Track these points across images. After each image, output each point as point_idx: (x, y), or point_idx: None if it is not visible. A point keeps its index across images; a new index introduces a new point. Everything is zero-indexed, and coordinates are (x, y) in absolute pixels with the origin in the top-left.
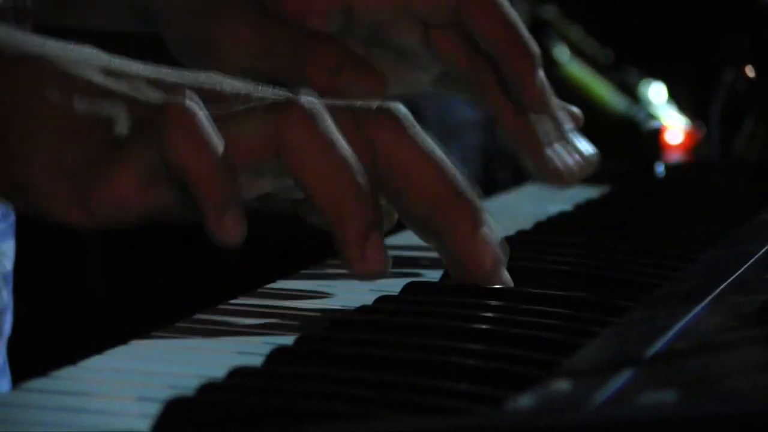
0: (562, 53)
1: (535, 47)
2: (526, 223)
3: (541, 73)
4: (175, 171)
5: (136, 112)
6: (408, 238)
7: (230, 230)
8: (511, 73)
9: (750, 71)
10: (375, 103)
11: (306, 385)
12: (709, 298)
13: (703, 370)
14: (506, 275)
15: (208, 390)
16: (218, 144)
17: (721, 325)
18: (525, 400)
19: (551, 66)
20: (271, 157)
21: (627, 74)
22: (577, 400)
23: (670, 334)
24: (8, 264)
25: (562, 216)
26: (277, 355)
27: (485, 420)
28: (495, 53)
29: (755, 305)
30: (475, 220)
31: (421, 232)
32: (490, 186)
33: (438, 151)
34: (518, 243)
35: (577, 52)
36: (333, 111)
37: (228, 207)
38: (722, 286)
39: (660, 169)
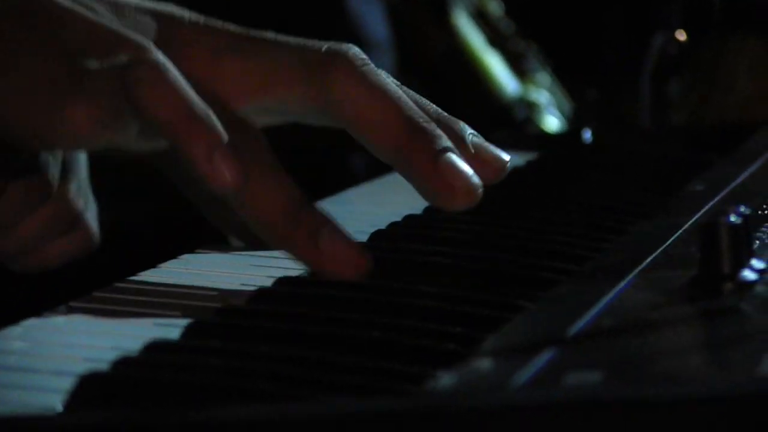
0: (460, 17)
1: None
2: None
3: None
4: (149, 121)
5: (100, 40)
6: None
7: (225, 172)
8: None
9: (681, 35)
10: (325, 45)
11: (222, 362)
12: (636, 272)
13: (629, 350)
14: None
15: (123, 365)
16: (191, 92)
17: (648, 302)
18: (446, 380)
19: (445, 28)
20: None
21: (525, 49)
22: (499, 380)
23: (595, 310)
24: None
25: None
26: (194, 328)
27: (405, 401)
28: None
29: (682, 281)
30: (434, 148)
31: (395, 168)
32: None
33: (393, 87)
34: (443, 212)
35: (479, 16)
36: (286, 49)
37: (213, 149)
38: (649, 260)
39: (587, 135)
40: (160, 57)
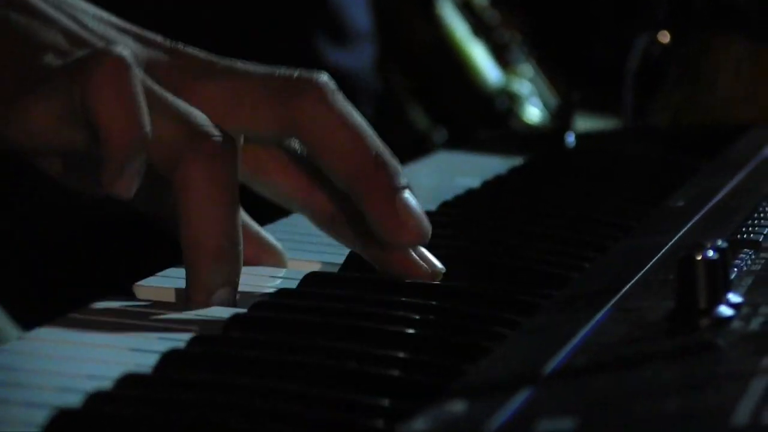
0: (445, 6)
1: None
2: (431, 201)
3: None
4: (90, 114)
5: (70, 44)
6: None
7: (124, 183)
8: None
9: (664, 37)
10: (296, 72)
11: (195, 395)
12: (613, 301)
13: (603, 393)
14: (433, 258)
15: (96, 400)
16: (141, 100)
17: (625, 337)
18: (419, 425)
19: (430, 18)
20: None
21: (510, 40)
22: (473, 425)
23: (571, 345)
24: None
25: (469, 194)
26: (169, 357)
27: None
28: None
29: (659, 313)
30: (394, 185)
31: (333, 225)
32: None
33: (358, 119)
34: None
35: (464, 7)
36: (255, 77)
37: (126, 168)
38: (627, 288)
39: (571, 138)
40: (125, 53)
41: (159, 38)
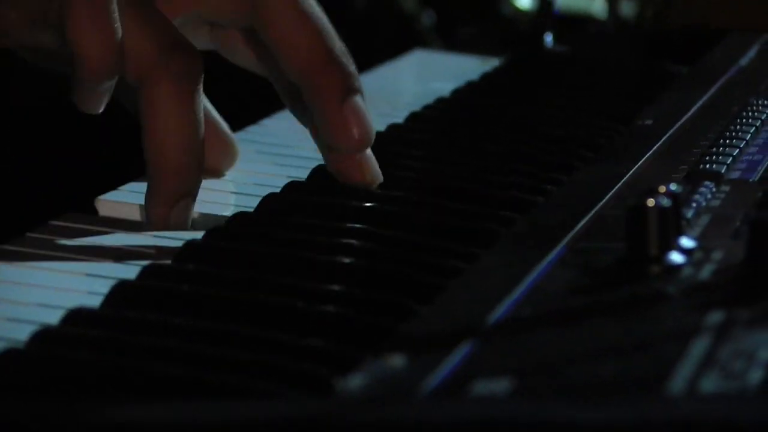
0: None
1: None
2: (401, 108)
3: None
4: (66, 30)
5: None
6: None
7: (93, 102)
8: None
9: None
10: None
11: (135, 337)
12: (566, 240)
13: (543, 352)
14: (375, 165)
15: (41, 338)
16: (111, 30)
17: (572, 284)
18: (356, 381)
19: None
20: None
21: None
22: (409, 384)
23: (517, 293)
24: None
25: (439, 103)
26: (117, 292)
27: (308, 408)
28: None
29: (610, 258)
30: (346, 87)
31: (292, 102)
32: None
33: (318, 13)
34: (387, 143)
35: None
36: None
37: (97, 88)
38: (581, 224)
39: (549, 39)
40: None
41: None
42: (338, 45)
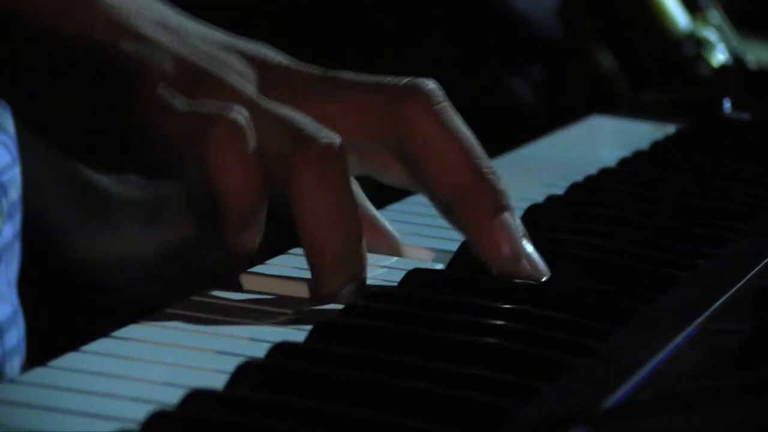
0: None
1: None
2: (565, 179)
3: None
4: (210, 180)
5: (178, 68)
6: None
7: (246, 243)
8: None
9: None
10: (404, 79)
11: (263, 416)
12: (698, 321)
13: None
14: (538, 263)
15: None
16: (255, 164)
17: (697, 367)
18: None
19: None
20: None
21: None
22: None
23: (639, 375)
24: (15, 193)
25: (601, 173)
26: (243, 371)
27: None
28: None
29: (738, 338)
30: (495, 206)
31: (446, 214)
32: None
33: (464, 130)
34: (543, 214)
35: None
36: (362, 88)
37: (249, 223)
38: (716, 305)
39: (727, 105)
40: (239, 119)
41: (263, 51)
42: (486, 162)
